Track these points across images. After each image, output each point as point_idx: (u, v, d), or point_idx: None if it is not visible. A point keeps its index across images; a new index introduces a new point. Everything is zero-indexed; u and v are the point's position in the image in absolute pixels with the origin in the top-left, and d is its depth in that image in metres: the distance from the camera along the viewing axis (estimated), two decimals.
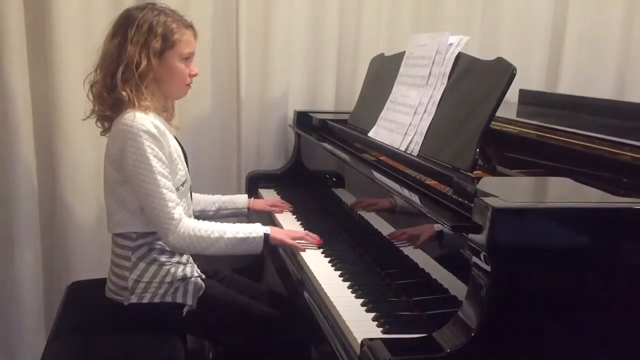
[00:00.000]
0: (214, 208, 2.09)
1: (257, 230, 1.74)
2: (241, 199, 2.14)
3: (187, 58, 1.75)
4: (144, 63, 1.65)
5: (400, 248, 1.61)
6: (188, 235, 1.67)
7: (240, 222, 1.80)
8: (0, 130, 2.30)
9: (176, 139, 1.80)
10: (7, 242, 2.37)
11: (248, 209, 2.13)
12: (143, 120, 1.63)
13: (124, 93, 1.65)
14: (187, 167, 1.82)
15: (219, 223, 1.74)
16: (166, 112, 1.84)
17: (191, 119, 2.50)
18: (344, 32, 2.63)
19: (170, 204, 1.64)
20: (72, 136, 2.35)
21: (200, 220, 1.74)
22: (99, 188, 2.33)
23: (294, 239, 1.80)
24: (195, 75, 1.80)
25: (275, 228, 1.85)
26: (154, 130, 1.63)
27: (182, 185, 1.74)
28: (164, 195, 1.64)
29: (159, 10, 1.72)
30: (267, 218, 2.16)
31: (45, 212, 2.43)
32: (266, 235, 1.74)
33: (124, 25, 1.69)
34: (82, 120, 1.81)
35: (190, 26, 1.76)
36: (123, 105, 1.67)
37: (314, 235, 1.83)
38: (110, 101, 1.68)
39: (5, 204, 2.35)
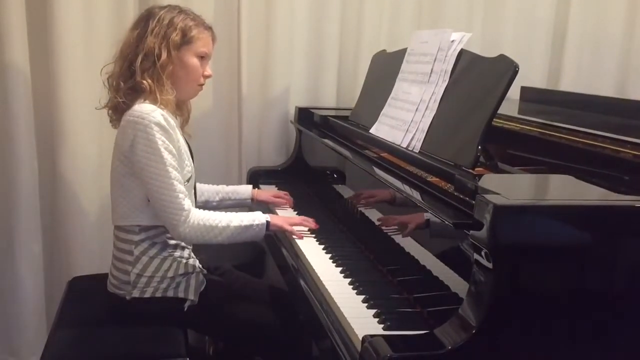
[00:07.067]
0: (217, 198, 2.10)
1: (259, 218, 1.78)
2: (245, 190, 2.16)
3: (203, 58, 1.77)
4: (164, 55, 1.67)
5: (401, 245, 1.61)
6: (197, 225, 1.68)
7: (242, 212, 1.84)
8: (1, 125, 2.30)
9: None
10: (8, 237, 2.38)
11: (252, 199, 2.15)
12: (153, 112, 1.63)
13: (144, 82, 1.66)
14: (193, 162, 1.82)
15: (223, 212, 1.76)
16: (181, 117, 1.86)
17: (192, 114, 2.47)
18: (345, 28, 2.63)
19: (180, 195, 1.65)
20: (73, 130, 2.35)
21: (206, 210, 1.75)
22: (100, 182, 2.36)
23: (292, 224, 1.86)
24: (208, 77, 1.81)
25: (274, 215, 1.90)
26: (164, 123, 1.63)
27: (188, 180, 1.75)
28: (175, 186, 1.64)
29: (180, 9, 1.75)
30: (268, 209, 2.16)
31: (46, 207, 2.44)
32: (267, 222, 1.78)
33: (146, 18, 1.72)
34: (97, 109, 1.80)
35: (209, 28, 1.79)
36: (140, 95, 1.68)
37: (310, 220, 1.90)
38: (125, 89, 1.69)
39: (6, 199, 2.35)
